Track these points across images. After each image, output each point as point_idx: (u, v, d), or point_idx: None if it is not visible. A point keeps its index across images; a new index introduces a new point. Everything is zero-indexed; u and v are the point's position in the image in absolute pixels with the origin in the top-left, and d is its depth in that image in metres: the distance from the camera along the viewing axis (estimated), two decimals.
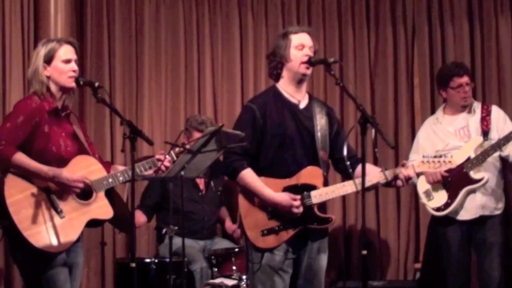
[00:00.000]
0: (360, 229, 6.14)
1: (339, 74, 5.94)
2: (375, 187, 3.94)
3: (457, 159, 4.66)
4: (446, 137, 5.10)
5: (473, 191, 4.96)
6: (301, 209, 3.84)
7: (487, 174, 4.92)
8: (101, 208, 3.71)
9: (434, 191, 5.04)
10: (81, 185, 3.61)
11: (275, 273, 3.86)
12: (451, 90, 5.10)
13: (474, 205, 4.97)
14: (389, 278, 6.26)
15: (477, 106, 5.14)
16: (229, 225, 5.90)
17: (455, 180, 4.95)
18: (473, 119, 5.08)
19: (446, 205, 5.00)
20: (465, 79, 5.07)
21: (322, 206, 3.94)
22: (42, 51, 3.69)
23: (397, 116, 6.40)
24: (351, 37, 6.44)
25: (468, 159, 4.91)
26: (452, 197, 4.98)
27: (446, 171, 4.78)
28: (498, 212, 5.03)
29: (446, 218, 5.02)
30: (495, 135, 4.99)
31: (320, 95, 6.15)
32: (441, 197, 5.01)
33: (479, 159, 4.89)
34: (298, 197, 3.85)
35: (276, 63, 3.98)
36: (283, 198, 3.83)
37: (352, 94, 3.73)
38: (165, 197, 5.57)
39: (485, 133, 5.00)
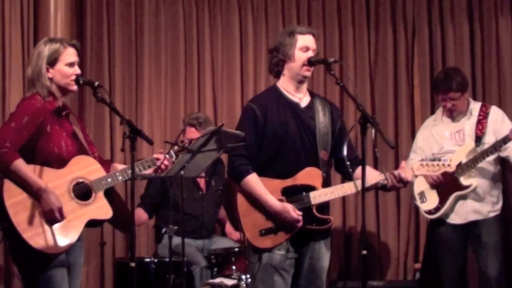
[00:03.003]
0: (360, 229, 6.13)
1: (339, 74, 5.94)
2: (374, 188, 3.92)
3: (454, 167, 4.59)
4: (441, 140, 5.09)
5: (463, 197, 4.96)
6: (300, 224, 3.82)
7: (476, 180, 4.91)
8: (100, 208, 3.69)
9: (428, 194, 5.06)
10: (55, 217, 3.52)
11: (276, 273, 3.85)
12: (439, 100, 5.11)
13: (465, 210, 4.97)
14: (389, 278, 6.25)
15: (475, 108, 5.09)
16: (231, 231, 5.89)
17: (446, 185, 4.97)
18: (469, 123, 5.04)
19: (436, 209, 5.02)
20: (449, 95, 5.00)
21: (323, 206, 3.92)
22: (45, 51, 3.65)
23: (397, 116, 6.40)
24: (351, 37, 6.44)
25: (460, 164, 4.88)
26: (442, 201, 5.00)
27: (441, 174, 4.78)
28: (493, 214, 4.99)
29: (441, 219, 5.03)
30: (491, 138, 4.94)
31: (320, 94, 6.13)
32: (433, 200, 5.04)
33: (469, 165, 4.89)
34: (300, 213, 3.82)
35: (278, 60, 3.96)
36: (285, 210, 3.81)
37: (352, 94, 3.73)
38: (165, 196, 5.56)
39: (478, 138, 4.96)
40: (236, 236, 5.78)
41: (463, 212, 4.97)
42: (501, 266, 5.00)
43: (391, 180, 3.83)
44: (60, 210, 3.53)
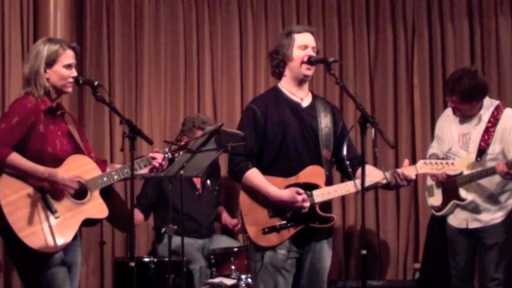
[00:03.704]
0: (360, 229, 6.13)
1: (339, 73, 5.92)
2: (376, 186, 3.93)
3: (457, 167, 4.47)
4: (451, 139, 5.01)
5: (461, 206, 4.92)
6: (308, 204, 3.81)
7: (473, 195, 4.86)
8: (96, 207, 3.68)
9: (435, 190, 5.06)
10: (75, 185, 3.59)
11: (277, 272, 3.85)
12: None
13: (463, 216, 4.93)
14: (388, 278, 6.26)
15: (486, 112, 4.87)
16: (228, 220, 5.88)
17: (448, 190, 4.95)
18: (477, 129, 4.87)
19: (439, 208, 5.03)
20: (452, 98, 4.86)
21: (326, 205, 3.92)
22: (44, 51, 3.65)
23: (397, 115, 6.41)
24: (351, 36, 6.44)
25: (461, 174, 4.79)
26: (444, 203, 5.00)
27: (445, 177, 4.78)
28: (496, 221, 4.88)
29: (444, 217, 5.04)
30: (496, 148, 4.81)
31: (320, 94, 6.11)
32: (437, 198, 5.05)
33: (468, 179, 4.83)
34: (303, 192, 3.82)
35: (278, 61, 3.97)
36: (289, 194, 3.81)
37: (352, 94, 3.73)
38: (162, 196, 5.56)
39: (481, 151, 4.82)
40: (231, 223, 5.76)
41: (461, 217, 4.95)
42: (504, 269, 4.88)
43: (394, 179, 3.84)
44: (71, 181, 3.54)
